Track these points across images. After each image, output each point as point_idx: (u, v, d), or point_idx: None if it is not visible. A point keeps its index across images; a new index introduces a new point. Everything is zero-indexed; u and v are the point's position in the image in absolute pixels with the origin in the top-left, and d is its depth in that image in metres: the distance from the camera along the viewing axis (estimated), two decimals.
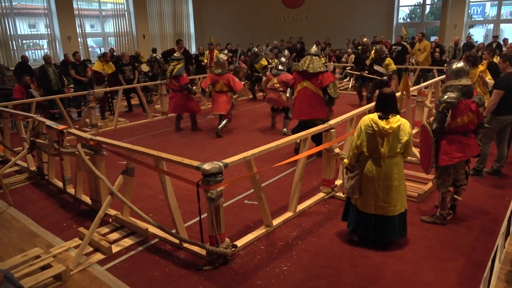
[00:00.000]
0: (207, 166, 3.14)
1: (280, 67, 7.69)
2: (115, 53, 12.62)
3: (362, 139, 3.33)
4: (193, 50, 17.55)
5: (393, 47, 12.64)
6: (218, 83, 7.65)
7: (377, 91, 7.53)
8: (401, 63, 11.79)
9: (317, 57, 5.95)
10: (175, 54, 8.34)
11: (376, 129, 3.26)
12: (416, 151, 5.47)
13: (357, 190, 3.45)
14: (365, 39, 11.23)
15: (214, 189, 3.15)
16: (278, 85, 7.52)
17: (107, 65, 9.90)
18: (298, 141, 5.69)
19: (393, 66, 8.99)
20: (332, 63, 14.54)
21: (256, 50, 10.58)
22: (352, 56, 14.89)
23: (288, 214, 4.31)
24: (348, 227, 3.67)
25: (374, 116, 3.32)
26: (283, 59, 7.79)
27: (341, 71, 14.78)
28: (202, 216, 3.42)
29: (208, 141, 7.49)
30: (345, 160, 3.58)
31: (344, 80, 14.59)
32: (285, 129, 7.64)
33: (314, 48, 6.12)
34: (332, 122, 4.65)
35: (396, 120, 3.28)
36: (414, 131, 6.86)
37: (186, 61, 10.42)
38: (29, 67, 10.78)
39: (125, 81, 10.61)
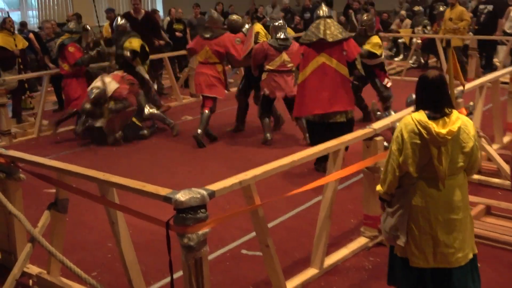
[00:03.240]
0: (182, 196, 3.11)
1: (282, 35, 7.67)
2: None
3: (407, 153, 3.30)
4: (161, 14, 17.68)
5: (481, 6, 12.69)
6: (203, 51, 7.84)
7: (388, 82, 7.38)
8: (491, 32, 11.94)
9: (332, 20, 6.25)
10: (70, 25, 9.23)
11: (427, 136, 3.24)
12: (507, 168, 5.46)
13: (402, 232, 3.40)
14: None
15: (194, 232, 3.13)
16: (290, 64, 7.58)
17: (17, 37, 9.88)
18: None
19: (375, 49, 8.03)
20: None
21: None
22: (408, 21, 14.94)
23: (311, 272, 4.29)
24: None
25: (421, 116, 3.30)
26: (276, 23, 7.78)
27: (391, 44, 14.85)
28: (175, 276, 3.39)
29: (183, 155, 7.49)
30: (379, 187, 3.54)
31: (396, 58, 14.66)
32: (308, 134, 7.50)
33: (324, 9, 6.44)
34: (377, 125, 4.63)
35: (455, 119, 3.28)
36: (507, 138, 6.83)
37: (151, 32, 10.55)
38: None
39: (52, 63, 10.60)
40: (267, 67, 7.65)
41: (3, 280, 4.06)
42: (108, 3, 17.65)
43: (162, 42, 10.92)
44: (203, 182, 3.68)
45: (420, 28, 13.86)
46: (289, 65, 7.59)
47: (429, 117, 3.27)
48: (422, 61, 13.81)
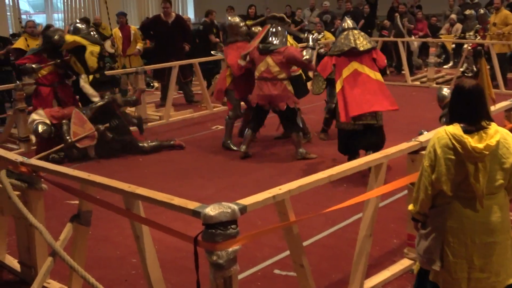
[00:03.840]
0: (211, 211, 3.14)
1: (274, 40, 7.65)
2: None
3: (440, 170, 3.26)
4: (192, 18, 17.91)
5: None
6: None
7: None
8: None
9: (359, 31, 7.04)
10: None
11: (462, 151, 3.19)
12: None
13: (436, 256, 3.36)
14: None
15: (224, 249, 3.15)
16: (276, 69, 7.46)
17: (33, 40, 10.11)
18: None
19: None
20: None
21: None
22: (459, 26, 14.76)
23: None
24: None
25: (455, 129, 3.25)
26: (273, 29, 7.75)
27: (440, 50, 14.70)
28: None
29: (213, 167, 7.54)
30: (411, 207, 3.50)
31: (445, 66, 14.51)
32: (301, 150, 7.61)
33: (348, 22, 7.18)
34: (423, 138, 4.61)
35: (493, 133, 3.23)
36: None
37: (181, 36, 10.75)
38: None
39: None
40: (257, 71, 7.64)
41: None
42: (138, 7, 17.96)
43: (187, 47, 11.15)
44: (233, 196, 3.72)
45: (471, 33, 13.69)
46: (274, 70, 7.45)
47: (465, 131, 3.22)
48: (475, 68, 13.63)
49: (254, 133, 7.86)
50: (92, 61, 8.43)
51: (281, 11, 16.68)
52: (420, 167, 3.38)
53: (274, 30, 7.75)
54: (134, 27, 12.56)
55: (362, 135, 6.83)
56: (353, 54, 6.70)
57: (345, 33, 6.93)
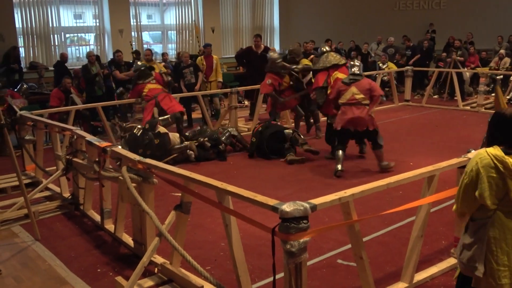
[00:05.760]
0: (287, 207, 3.16)
1: (356, 70, 7.52)
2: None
3: (483, 187, 3.06)
4: (278, 49, 18.05)
5: None
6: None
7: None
8: None
9: (333, 52, 8.81)
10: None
11: (503, 170, 3.02)
12: None
13: (480, 263, 3.13)
14: None
15: (296, 239, 3.15)
16: (361, 96, 7.28)
17: (155, 64, 10.57)
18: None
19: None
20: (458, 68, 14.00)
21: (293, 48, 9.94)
22: (507, 59, 14.23)
23: (401, 286, 4.18)
24: None
25: (496, 151, 3.09)
26: (356, 63, 7.76)
27: (489, 80, 14.11)
28: (277, 277, 3.43)
29: (289, 171, 7.56)
30: (454, 207, 3.30)
31: (493, 94, 13.91)
32: (384, 163, 7.38)
33: (327, 48, 8.72)
34: (472, 155, 4.43)
35: None
36: None
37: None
38: (65, 68, 11.90)
39: (186, 87, 11.22)
40: (339, 101, 7.43)
41: (134, 266, 4.30)
42: (234, 39, 18.27)
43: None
44: (305, 196, 3.72)
45: None
46: (358, 96, 7.26)
47: (505, 152, 3.06)
48: None
49: (344, 153, 7.40)
50: None
51: (351, 44, 16.60)
52: (460, 183, 3.19)
53: (352, 63, 7.84)
54: (216, 56, 12.10)
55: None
56: (336, 67, 8.18)
57: (325, 54, 8.44)
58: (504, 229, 3.07)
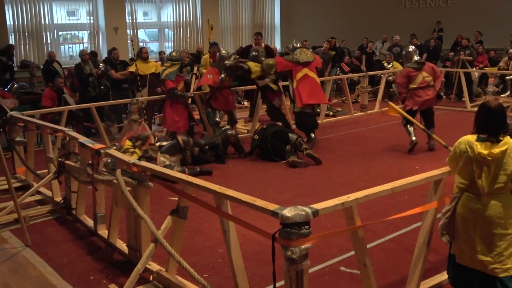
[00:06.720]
0: (288, 212, 3.14)
1: (416, 58, 8.68)
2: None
3: (453, 165, 3.68)
4: (278, 48, 18.04)
5: None
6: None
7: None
8: None
9: (306, 48, 9.62)
10: (172, 54, 9.69)
11: (471, 154, 3.51)
12: None
13: (447, 232, 3.68)
14: None
15: (297, 246, 3.13)
16: (430, 78, 8.45)
17: (150, 63, 10.42)
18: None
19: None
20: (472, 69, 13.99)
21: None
22: None
23: None
24: (448, 279, 3.92)
25: (471, 137, 3.58)
26: (411, 48, 8.98)
27: (498, 81, 14.11)
28: (278, 284, 3.41)
29: (290, 175, 7.54)
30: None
31: (503, 95, 13.93)
32: (432, 141, 8.47)
33: (298, 44, 9.31)
34: None
35: (502, 144, 3.48)
36: None
37: None
38: (51, 68, 11.82)
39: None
40: (411, 86, 8.45)
41: (128, 273, 4.28)
42: (234, 38, 18.25)
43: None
44: (307, 201, 3.70)
45: None
46: (428, 79, 8.41)
47: (480, 139, 3.52)
48: None
49: (412, 125, 8.48)
50: None
51: (356, 43, 16.61)
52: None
53: (411, 50, 8.87)
54: None
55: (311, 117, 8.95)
56: (306, 64, 8.83)
57: (299, 50, 9.00)
58: (467, 209, 3.57)
